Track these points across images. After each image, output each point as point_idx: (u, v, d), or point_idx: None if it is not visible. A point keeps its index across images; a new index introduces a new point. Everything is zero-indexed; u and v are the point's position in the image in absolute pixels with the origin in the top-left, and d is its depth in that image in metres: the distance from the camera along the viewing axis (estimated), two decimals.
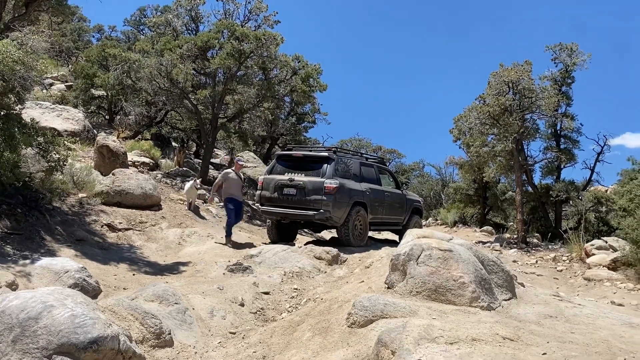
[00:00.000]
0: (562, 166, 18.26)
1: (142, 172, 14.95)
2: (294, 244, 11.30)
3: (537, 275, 11.86)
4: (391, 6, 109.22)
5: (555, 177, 18.37)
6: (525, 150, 18.20)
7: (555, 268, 12.44)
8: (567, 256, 13.08)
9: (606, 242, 12.55)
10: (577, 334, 5.48)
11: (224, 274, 9.02)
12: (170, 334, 5.70)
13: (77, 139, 16.28)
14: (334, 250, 10.13)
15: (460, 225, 24.93)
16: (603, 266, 11.44)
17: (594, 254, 12.15)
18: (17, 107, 9.51)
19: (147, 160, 16.13)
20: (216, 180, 11.75)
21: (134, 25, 51.29)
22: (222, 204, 15.19)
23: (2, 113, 8.76)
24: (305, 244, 11.69)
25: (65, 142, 13.05)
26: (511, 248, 15.23)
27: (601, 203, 16.79)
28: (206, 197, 14.53)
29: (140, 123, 19.99)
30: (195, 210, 13.16)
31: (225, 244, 11.05)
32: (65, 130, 16.72)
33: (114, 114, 22.41)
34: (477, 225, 23.78)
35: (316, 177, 10.79)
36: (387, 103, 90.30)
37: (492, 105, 16.38)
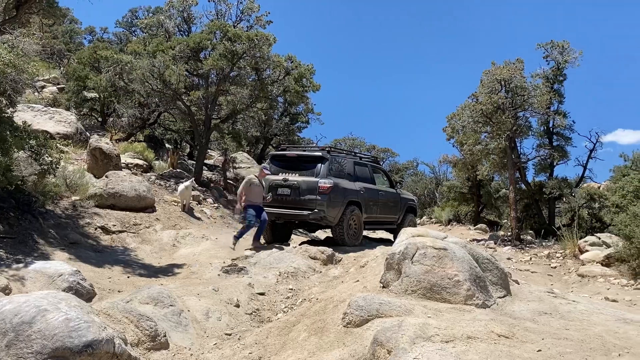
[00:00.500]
0: (554, 163, 18.34)
1: (136, 174, 14.89)
2: (288, 245, 11.31)
3: (532, 272, 11.91)
4: (384, 5, 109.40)
5: (548, 174, 18.45)
6: (518, 147, 18.26)
7: (549, 265, 12.49)
8: (561, 253, 13.13)
9: (599, 238, 12.61)
10: (572, 330, 5.51)
11: (218, 275, 9.00)
12: (165, 336, 5.68)
13: (70, 141, 16.19)
14: (329, 250, 10.14)
15: (454, 223, 25.02)
16: (596, 262, 11.49)
17: (587, 251, 12.20)
18: (8, 110, 9.46)
19: (140, 162, 16.08)
20: (240, 189, 10.77)
21: (125, 27, 51.03)
22: (216, 204, 15.23)
23: None
24: (300, 244, 11.70)
25: (58, 144, 13.00)
26: (505, 245, 15.29)
27: (594, 199, 16.89)
28: (200, 198, 14.51)
29: (133, 125, 19.91)
30: (189, 211, 13.13)
31: (232, 247, 10.68)
32: (58, 133, 16.64)
33: (107, 116, 22.30)
34: (471, 223, 23.86)
35: (310, 176, 10.80)
36: (381, 102, 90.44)
37: (485, 103, 16.42)
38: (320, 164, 10.89)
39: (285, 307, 7.64)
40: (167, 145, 21.81)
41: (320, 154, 11.11)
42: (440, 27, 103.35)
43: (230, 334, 6.49)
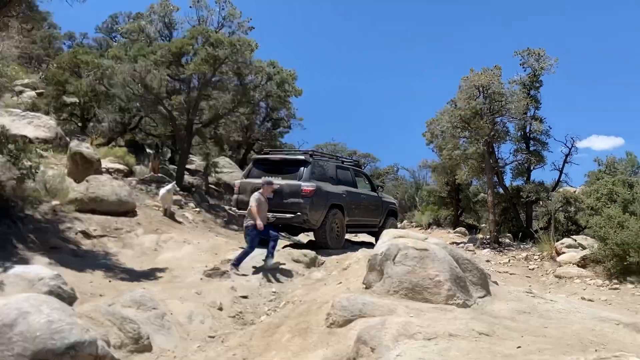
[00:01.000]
0: (531, 168, 18.65)
1: (117, 179, 14.77)
2: None
3: (510, 274, 12.12)
4: (365, 12, 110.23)
5: (525, 179, 18.75)
6: (496, 152, 18.55)
7: (527, 267, 12.73)
8: (539, 255, 13.38)
9: (575, 240, 12.89)
10: (550, 328, 5.65)
11: (201, 279, 9.00)
12: (148, 338, 5.68)
13: (50, 146, 16.00)
14: (312, 253, 10.20)
15: (434, 227, 25.25)
16: (573, 264, 11.75)
17: (564, 253, 12.46)
18: None
19: (121, 167, 15.96)
20: (253, 208, 9.40)
21: (105, 33, 50.48)
22: (198, 209, 15.18)
23: None
24: (282, 247, 11.74)
25: (37, 149, 12.85)
26: (484, 248, 15.51)
27: (570, 203, 17.20)
28: (182, 202, 14.46)
29: (114, 130, 19.75)
30: (171, 216, 13.07)
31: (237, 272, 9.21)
32: (37, 138, 16.42)
33: (87, 121, 22.06)
34: (451, 226, 24.10)
35: (293, 180, 10.84)
36: (363, 108, 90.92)
37: (463, 109, 16.69)
38: (303, 168, 10.95)
39: (268, 310, 7.67)
40: (148, 150, 21.65)
41: (302, 157, 11.17)
42: (420, 34, 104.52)
43: (213, 337, 6.51)
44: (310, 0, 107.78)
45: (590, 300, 9.17)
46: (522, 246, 15.50)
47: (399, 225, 28.22)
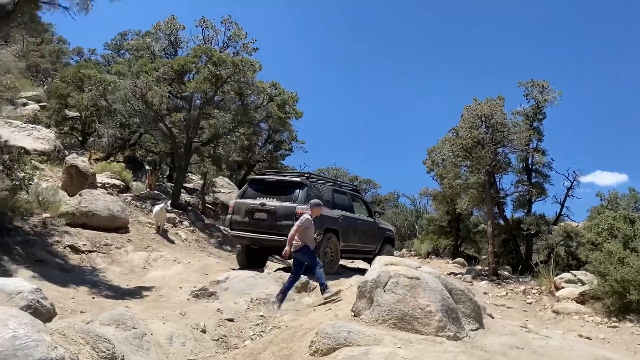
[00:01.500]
0: (533, 200, 18.47)
1: (112, 194, 14.63)
2: (263, 271, 11.10)
3: (507, 307, 11.83)
4: (369, 36, 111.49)
5: (526, 211, 18.56)
6: (498, 183, 18.39)
7: (525, 301, 12.43)
8: (537, 289, 13.09)
9: (575, 275, 12.60)
10: None
11: (188, 299, 8.78)
12: (123, 359, 5.44)
13: (46, 158, 15.92)
14: (304, 278, 9.93)
15: (433, 256, 24.92)
16: (572, 300, 11.46)
17: (563, 287, 12.18)
18: None
19: (117, 182, 15.82)
20: (300, 226, 8.79)
21: (114, 49, 51.02)
22: (192, 228, 14.97)
23: None
24: (275, 271, 11.51)
25: (32, 160, 12.76)
26: (482, 280, 15.22)
27: (571, 237, 16.98)
28: (176, 220, 14.27)
29: (113, 145, 19.70)
30: (163, 233, 12.88)
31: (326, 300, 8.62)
32: (35, 150, 16.36)
33: (88, 135, 22.06)
34: (450, 256, 23.79)
35: (288, 202, 10.68)
36: (365, 133, 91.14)
37: (465, 137, 16.58)
38: (298, 190, 10.79)
39: (253, 334, 7.43)
40: (147, 166, 21.57)
41: (298, 179, 11.02)
42: (425, 61, 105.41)
43: None
44: (316, 23, 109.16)
45: (588, 337, 8.89)
46: (520, 279, 15.20)
47: (397, 253, 28.01)
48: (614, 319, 10.27)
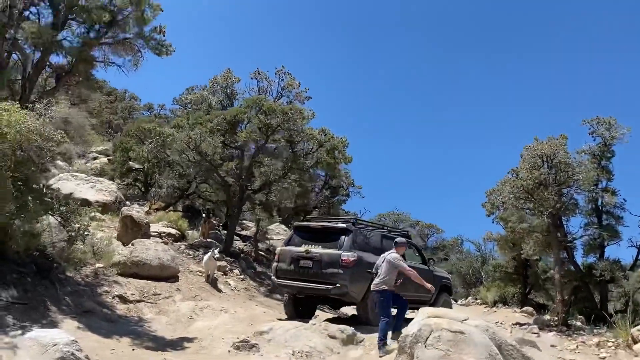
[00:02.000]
0: (605, 244, 17.14)
1: (166, 243, 14.90)
2: (309, 321, 10.73)
3: None
4: (425, 78, 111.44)
5: (598, 255, 17.21)
6: (565, 226, 17.24)
7: (598, 355, 11.26)
8: (613, 342, 11.86)
9: None
10: None
11: (229, 351, 8.54)
12: None
13: (101, 208, 16.51)
14: (350, 329, 9.48)
15: (500, 305, 23.47)
16: None
17: None
18: (38, 176, 9.67)
19: (173, 231, 16.13)
20: (406, 268, 8.76)
21: (181, 104, 53.57)
22: (242, 276, 14.88)
23: (19, 183, 8.87)
24: (324, 321, 11.11)
25: (87, 211, 13.22)
26: (550, 331, 14.04)
27: None
28: (226, 269, 14.24)
29: (172, 195, 20.26)
30: (213, 282, 12.84)
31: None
32: (97, 201, 17.06)
33: (150, 186, 22.90)
34: (518, 305, 22.32)
35: (333, 249, 10.36)
36: (425, 176, 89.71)
37: (525, 178, 15.76)
38: (344, 236, 10.46)
39: None
40: (204, 215, 21.99)
41: (344, 225, 10.70)
42: (484, 106, 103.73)
43: None
44: (370, 70, 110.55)
45: None
46: (594, 331, 13.91)
47: (463, 302, 26.69)
48: None
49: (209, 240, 16.40)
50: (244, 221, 23.83)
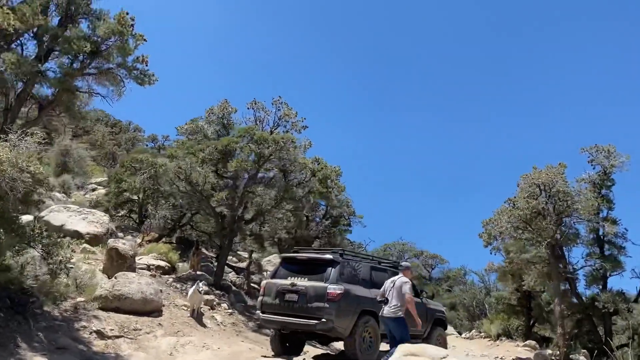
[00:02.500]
0: (608, 274, 16.63)
1: (154, 276, 14.56)
2: (296, 358, 10.31)
3: None
4: (429, 105, 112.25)
5: (601, 286, 16.69)
6: (567, 256, 16.79)
7: None
8: None
9: None
10: None
11: None
12: None
13: (82, 241, 16.18)
14: None
15: (503, 338, 22.79)
16: None
17: None
18: (13, 209, 9.40)
19: (162, 263, 15.80)
20: (409, 296, 8.56)
21: (182, 134, 53.75)
22: (231, 310, 14.42)
23: None
24: (312, 358, 10.69)
25: (71, 243, 12.93)
26: None
27: None
28: (214, 302, 13.82)
29: (165, 226, 19.98)
30: (198, 317, 12.41)
31: None
32: (88, 233, 16.78)
33: (144, 217, 22.65)
34: (522, 338, 21.64)
35: (319, 281, 9.97)
36: (430, 207, 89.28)
37: (522, 208, 15.44)
38: (330, 268, 10.07)
39: None
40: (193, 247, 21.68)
41: (331, 256, 10.32)
42: (482, 135, 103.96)
43: None
44: (371, 100, 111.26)
45: None
46: None
47: (466, 336, 25.96)
48: None
49: (199, 272, 16.02)
50: (239, 252, 23.44)
